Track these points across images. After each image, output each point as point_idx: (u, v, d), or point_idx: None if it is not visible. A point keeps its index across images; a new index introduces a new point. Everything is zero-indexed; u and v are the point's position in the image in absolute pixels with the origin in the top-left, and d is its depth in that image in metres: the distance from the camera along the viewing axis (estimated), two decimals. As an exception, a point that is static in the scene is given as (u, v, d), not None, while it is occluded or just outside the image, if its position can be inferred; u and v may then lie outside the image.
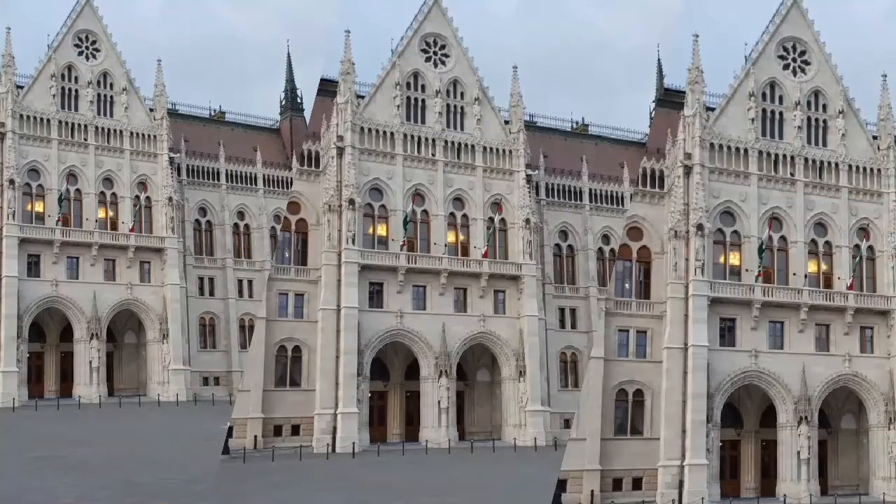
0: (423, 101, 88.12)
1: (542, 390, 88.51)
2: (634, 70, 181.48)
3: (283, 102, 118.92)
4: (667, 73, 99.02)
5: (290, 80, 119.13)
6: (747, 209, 76.41)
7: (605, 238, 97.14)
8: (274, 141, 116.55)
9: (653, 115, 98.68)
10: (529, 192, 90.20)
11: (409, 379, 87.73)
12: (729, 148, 76.17)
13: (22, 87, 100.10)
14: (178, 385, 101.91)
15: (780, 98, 78.28)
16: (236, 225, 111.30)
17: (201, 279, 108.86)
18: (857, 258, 77.97)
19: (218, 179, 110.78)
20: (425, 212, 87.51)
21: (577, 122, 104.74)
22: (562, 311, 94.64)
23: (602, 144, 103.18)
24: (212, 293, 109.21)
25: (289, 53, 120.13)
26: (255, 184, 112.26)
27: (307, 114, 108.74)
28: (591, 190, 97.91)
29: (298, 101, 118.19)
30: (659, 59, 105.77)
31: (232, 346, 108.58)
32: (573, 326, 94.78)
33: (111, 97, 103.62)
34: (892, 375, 76.41)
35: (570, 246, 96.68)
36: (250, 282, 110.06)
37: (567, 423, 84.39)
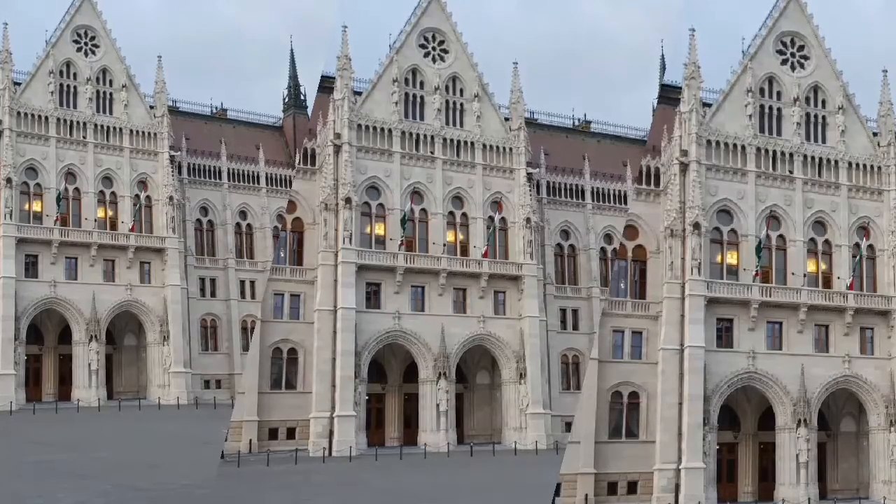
0: (421, 97, 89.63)
1: (543, 393, 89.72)
2: (637, 66, 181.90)
3: (286, 100, 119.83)
4: (670, 69, 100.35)
5: (294, 77, 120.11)
6: (745, 207, 77.83)
7: (608, 237, 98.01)
8: (277, 139, 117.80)
9: (655, 112, 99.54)
10: (530, 191, 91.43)
11: (408, 381, 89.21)
12: (726, 144, 77.65)
13: (19, 84, 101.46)
14: (178, 388, 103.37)
15: (779, 94, 79.75)
16: (238, 225, 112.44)
17: (202, 280, 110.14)
18: (857, 257, 79.21)
19: (220, 178, 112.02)
20: (424, 211, 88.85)
21: (578, 120, 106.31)
22: (563, 311, 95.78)
23: (604, 142, 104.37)
24: (213, 294, 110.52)
25: (292, 49, 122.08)
26: (258, 183, 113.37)
27: (311, 111, 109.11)
28: (593, 188, 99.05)
29: (302, 98, 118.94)
30: (662, 55, 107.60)
31: (234, 348, 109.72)
32: (575, 328, 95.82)
33: (110, 94, 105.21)
34: (892, 377, 77.82)
35: (571, 245, 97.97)
36: (252, 283, 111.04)
37: (568, 427, 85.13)
